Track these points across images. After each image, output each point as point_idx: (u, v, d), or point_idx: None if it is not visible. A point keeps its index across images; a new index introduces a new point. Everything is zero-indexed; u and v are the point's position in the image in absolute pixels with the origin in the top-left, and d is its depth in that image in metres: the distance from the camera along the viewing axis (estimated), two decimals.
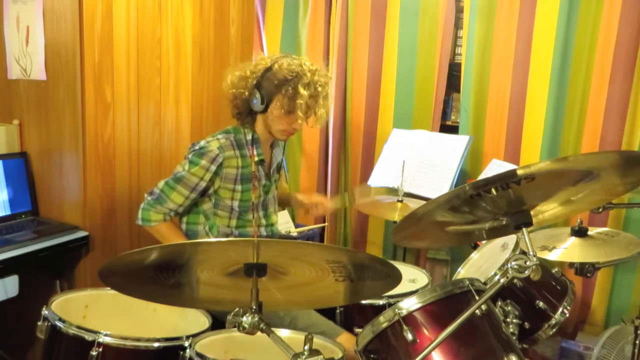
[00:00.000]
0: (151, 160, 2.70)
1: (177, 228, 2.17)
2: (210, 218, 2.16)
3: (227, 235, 2.16)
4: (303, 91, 2.02)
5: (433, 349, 1.25)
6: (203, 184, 2.08)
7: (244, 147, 2.13)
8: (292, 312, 1.97)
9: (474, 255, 2.20)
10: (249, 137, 2.15)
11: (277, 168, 2.30)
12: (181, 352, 1.67)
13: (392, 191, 2.88)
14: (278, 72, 2.04)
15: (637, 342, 2.06)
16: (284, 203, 2.51)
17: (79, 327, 1.68)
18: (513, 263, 1.24)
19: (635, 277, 2.80)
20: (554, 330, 1.88)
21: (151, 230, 2.12)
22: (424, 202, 1.36)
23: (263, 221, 2.25)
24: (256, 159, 2.15)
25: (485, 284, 1.64)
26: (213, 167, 2.06)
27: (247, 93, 2.10)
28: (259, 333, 1.25)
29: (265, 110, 2.09)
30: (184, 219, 2.19)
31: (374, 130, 3.31)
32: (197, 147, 2.09)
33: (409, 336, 1.43)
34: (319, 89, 2.06)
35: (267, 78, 2.06)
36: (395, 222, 2.63)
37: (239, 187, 2.12)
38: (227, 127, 2.19)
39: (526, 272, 1.23)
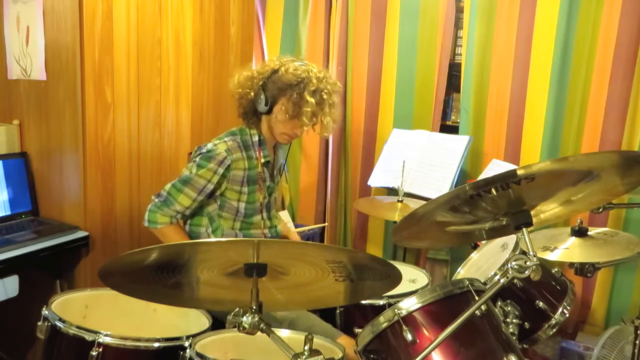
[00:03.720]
0: (151, 161, 2.70)
1: (182, 231, 2.17)
2: (215, 220, 2.16)
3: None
4: (310, 98, 2.01)
5: (433, 349, 1.25)
6: (210, 187, 2.08)
7: (250, 149, 2.14)
8: (290, 316, 1.97)
9: (474, 255, 2.20)
10: (255, 138, 2.15)
11: (279, 169, 2.31)
12: (181, 352, 1.67)
13: (392, 191, 2.88)
14: (283, 75, 2.04)
15: (637, 342, 2.06)
16: None
17: (79, 327, 1.68)
18: (513, 263, 1.24)
19: (635, 277, 2.80)
20: (554, 330, 1.88)
21: (156, 232, 2.12)
22: (424, 202, 1.36)
23: (267, 223, 2.25)
24: (262, 160, 2.15)
25: (485, 284, 1.64)
26: (221, 170, 2.06)
27: (252, 93, 2.10)
28: (259, 333, 1.25)
29: (269, 112, 2.09)
30: (189, 221, 2.20)
31: (374, 131, 3.31)
32: (204, 150, 2.09)
33: (409, 336, 1.43)
34: (325, 96, 2.06)
35: (272, 80, 2.07)
36: (395, 222, 2.64)
37: (245, 189, 2.13)
38: (233, 129, 2.19)
39: (526, 272, 1.23)
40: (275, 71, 2.07)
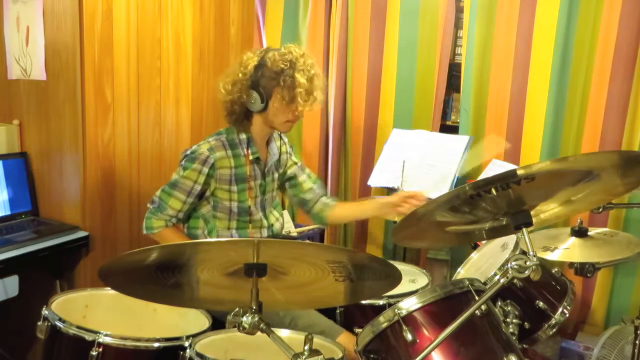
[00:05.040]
0: (151, 161, 2.71)
1: (180, 232, 2.18)
2: (209, 222, 2.16)
3: None
4: (301, 78, 2.01)
5: (433, 349, 1.25)
6: (198, 187, 2.08)
7: (237, 147, 2.13)
8: (292, 312, 1.97)
9: (474, 255, 2.20)
10: (243, 136, 2.14)
11: (274, 166, 2.29)
12: (181, 352, 1.67)
13: (392, 191, 2.88)
14: (273, 65, 2.03)
15: (637, 342, 2.06)
16: (354, 216, 2.51)
17: (79, 327, 1.68)
18: (513, 263, 1.24)
19: (635, 277, 2.79)
20: (554, 330, 1.88)
21: (155, 237, 2.13)
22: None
23: (264, 222, 2.24)
24: (251, 157, 2.14)
25: (485, 284, 1.64)
26: (205, 169, 2.06)
27: (244, 96, 2.08)
28: (259, 333, 1.25)
29: (265, 108, 2.08)
30: (185, 224, 2.20)
31: (374, 130, 3.31)
32: (188, 152, 2.10)
33: (409, 336, 1.43)
34: (312, 70, 2.06)
35: (262, 74, 2.04)
36: (395, 222, 2.63)
37: (234, 188, 2.12)
38: (219, 130, 2.18)
39: (526, 272, 1.23)
40: (260, 65, 2.05)
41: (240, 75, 2.07)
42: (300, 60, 2.04)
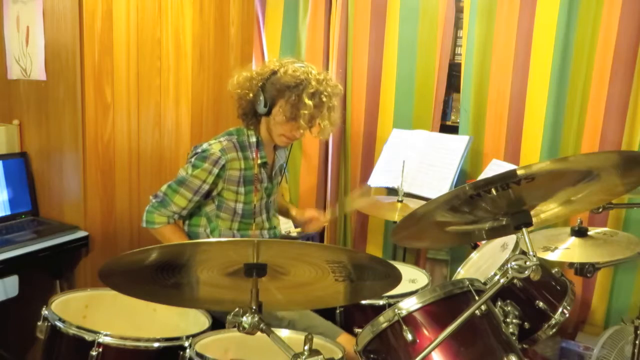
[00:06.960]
0: (151, 161, 2.70)
1: (180, 230, 2.17)
2: (212, 221, 2.16)
3: None
4: (307, 101, 2.00)
5: (433, 349, 1.25)
6: (206, 187, 2.07)
7: (247, 149, 2.13)
8: (290, 315, 1.97)
9: (474, 255, 2.20)
10: (253, 139, 2.15)
11: (279, 170, 2.30)
12: (181, 352, 1.67)
13: (392, 191, 2.88)
14: (282, 77, 2.03)
15: (637, 342, 2.06)
16: (282, 213, 2.47)
17: (79, 327, 1.68)
18: (513, 263, 1.24)
19: (635, 277, 2.79)
20: (554, 330, 1.88)
21: (155, 232, 2.12)
22: (424, 202, 1.36)
23: (266, 224, 2.24)
24: (259, 161, 2.15)
25: (485, 284, 1.64)
26: (215, 170, 2.06)
27: (251, 94, 2.09)
28: (259, 333, 1.25)
29: (268, 114, 2.09)
30: (187, 221, 2.20)
31: (374, 131, 3.31)
32: (199, 150, 2.09)
33: (409, 336, 1.43)
34: (324, 99, 2.04)
35: (271, 82, 2.06)
36: (395, 222, 2.64)
37: (242, 190, 2.12)
38: (230, 129, 2.19)
39: (526, 272, 1.23)
40: (274, 72, 2.06)
41: (254, 73, 2.11)
42: (313, 84, 2.02)
